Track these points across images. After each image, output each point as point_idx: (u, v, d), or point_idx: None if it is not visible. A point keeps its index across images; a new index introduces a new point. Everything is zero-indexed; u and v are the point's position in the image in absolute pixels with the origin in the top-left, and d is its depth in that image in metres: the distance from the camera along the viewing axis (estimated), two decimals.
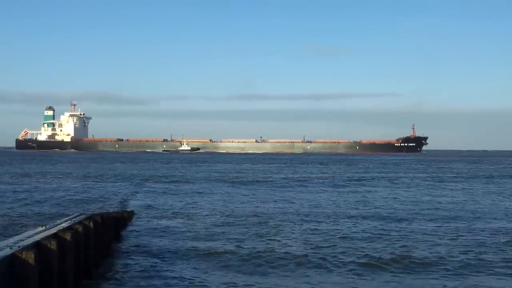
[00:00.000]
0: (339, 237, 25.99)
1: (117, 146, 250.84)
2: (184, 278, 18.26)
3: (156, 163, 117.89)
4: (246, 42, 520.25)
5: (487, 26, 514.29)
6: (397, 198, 45.99)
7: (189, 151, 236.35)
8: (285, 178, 71.56)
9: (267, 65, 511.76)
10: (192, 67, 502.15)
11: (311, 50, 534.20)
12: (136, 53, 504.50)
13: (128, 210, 30.26)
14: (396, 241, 25.09)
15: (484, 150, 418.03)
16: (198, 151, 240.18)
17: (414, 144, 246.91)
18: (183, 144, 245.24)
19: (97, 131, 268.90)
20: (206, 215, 34.12)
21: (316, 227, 29.06)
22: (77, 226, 15.69)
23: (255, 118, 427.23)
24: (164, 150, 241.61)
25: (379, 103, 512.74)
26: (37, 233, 14.30)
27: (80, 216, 18.18)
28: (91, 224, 16.95)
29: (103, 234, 19.10)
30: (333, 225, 29.97)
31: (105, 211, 27.34)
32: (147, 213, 34.41)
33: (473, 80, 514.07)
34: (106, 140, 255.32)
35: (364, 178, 73.00)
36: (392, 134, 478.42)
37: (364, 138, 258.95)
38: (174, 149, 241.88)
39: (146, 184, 57.93)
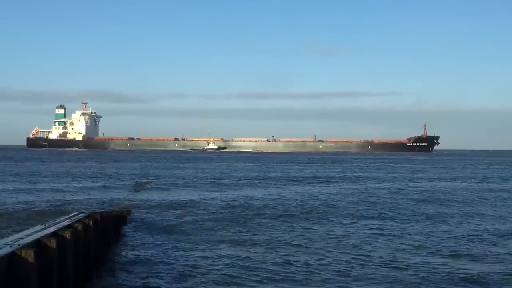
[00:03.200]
0: None
1: (128, 145, 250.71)
2: (186, 278, 18.20)
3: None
4: (245, 41, 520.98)
5: (488, 24, 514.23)
6: None
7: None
8: None
9: (266, 64, 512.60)
10: (192, 66, 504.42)
11: (311, 49, 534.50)
12: (135, 51, 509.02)
13: (128, 208, 30.22)
14: None
15: (484, 150, 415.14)
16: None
17: (426, 143, 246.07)
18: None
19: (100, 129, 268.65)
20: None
21: None
22: (76, 224, 15.65)
23: (257, 117, 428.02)
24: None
25: (380, 102, 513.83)
26: (37, 232, 14.29)
27: (80, 215, 18.15)
28: (91, 222, 16.93)
29: (103, 233, 19.09)
30: None
31: (105, 209, 27.32)
32: (149, 210, 34.55)
33: (474, 78, 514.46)
34: (117, 139, 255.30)
35: None
36: (394, 133, 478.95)
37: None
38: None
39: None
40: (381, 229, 28.60)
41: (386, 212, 35.94)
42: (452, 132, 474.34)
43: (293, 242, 24.50)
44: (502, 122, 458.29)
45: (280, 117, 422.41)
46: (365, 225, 30.21)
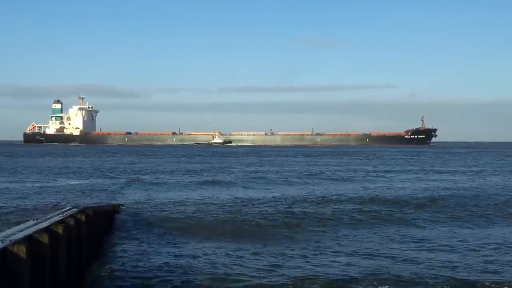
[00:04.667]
0: None
1: (126, 139, 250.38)
2: (177, 276, 18.18)
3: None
4: (241, 36, 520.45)
5: (482, 17, 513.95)
6: None
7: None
8: None
9: (262, 59, 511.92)
10: (186, 60, 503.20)
11: (309, 43, 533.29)
12: (132, 46, 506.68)
13: (121, 203, 30.11)
14: None
15: (478, 142, 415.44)
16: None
17: (423, 136, 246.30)
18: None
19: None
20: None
21: None
22: (69, 219, 15.63)
23: (253, 111, 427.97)
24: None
25: (374, 95, 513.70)
26: (29, 227, 14.26)
27: (72, 210, 18.11)
28: (83, 217, 16.91)
29: (95, 228, 19.07)
30: None
31: (96, 204, 27.23)
32: (141, 206, 34.21)
33: (468, 71, 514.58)
34: (115, 134, 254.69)
35: None
36: (389, 125, 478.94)
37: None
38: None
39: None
40: None
41: None
42: (445, 124, 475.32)
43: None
44: (496, 115, 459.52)
45: (276, 111, 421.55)
46: None
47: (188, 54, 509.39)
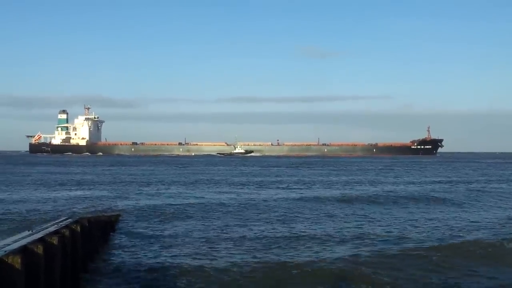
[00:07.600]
0: None
1: (133, 149, 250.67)
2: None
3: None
4: (238, 44, 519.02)
5: (478, 27, 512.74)
6: None
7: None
8: None
9: (260, 68, 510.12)
10: (185, 70, 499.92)
11: (303, 53, 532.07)
12: (124, 56, 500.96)
13: (117, 213, 29.93)
14: None
15: (472, 152, 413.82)
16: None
17: (430, 146, 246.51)
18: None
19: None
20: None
21: None
22: (64, 230, 15.59)
23: (252, 121, 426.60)
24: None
25: (373, 105, 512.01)
26: (24, 238, 14.22)
27: (67, 220, 18.07)
28: (78, 228, 16.86)
29: (90, 238, 19.01)
30: None
31: (93, 214, 27.06)
32: (138, 215, 33.88)
33: (465, 81, 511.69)
34: (121, 144, 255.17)
35: None
36: (389, 136, 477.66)
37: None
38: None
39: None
40: None
41: None
42: (442, 135, 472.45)
43: None
44: (491, 125, 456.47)
45: (276, 121, 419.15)
46: None
47: (183, 63, 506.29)
